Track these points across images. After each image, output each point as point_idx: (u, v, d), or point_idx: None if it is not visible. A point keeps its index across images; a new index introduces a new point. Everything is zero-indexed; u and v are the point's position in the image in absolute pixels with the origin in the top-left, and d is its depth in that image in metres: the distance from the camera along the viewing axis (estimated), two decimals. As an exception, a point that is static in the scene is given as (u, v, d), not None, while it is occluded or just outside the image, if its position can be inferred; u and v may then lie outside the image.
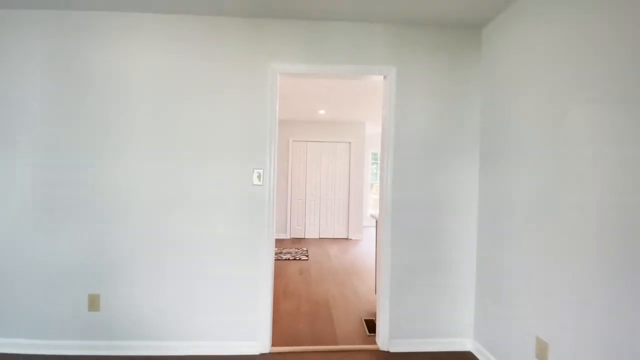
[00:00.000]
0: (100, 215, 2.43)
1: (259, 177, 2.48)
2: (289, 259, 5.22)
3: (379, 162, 9.63)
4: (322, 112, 6.07)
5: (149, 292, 2.46)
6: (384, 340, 2.54)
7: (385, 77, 2.60)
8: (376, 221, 3.40)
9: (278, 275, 4.41)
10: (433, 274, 2.57)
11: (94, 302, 2.47)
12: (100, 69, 2.42)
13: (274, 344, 2.57)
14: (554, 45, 1.80)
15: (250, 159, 2.48)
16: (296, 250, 5.88)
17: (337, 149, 7.21)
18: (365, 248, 6.33)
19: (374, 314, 3.15)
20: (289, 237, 7.11)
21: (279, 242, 6.70)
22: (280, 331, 2.79)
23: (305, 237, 7.18)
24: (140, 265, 2.46)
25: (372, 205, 9.52)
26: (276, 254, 5.52)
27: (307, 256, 5.44)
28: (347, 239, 7.19)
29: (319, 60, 2.51)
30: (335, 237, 7.23)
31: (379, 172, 9.73)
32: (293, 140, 7.10)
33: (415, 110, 2.55)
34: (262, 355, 2.46)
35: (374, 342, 2.65)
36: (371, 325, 2.91)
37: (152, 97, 2.44)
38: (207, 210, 2.47)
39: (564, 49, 1.73)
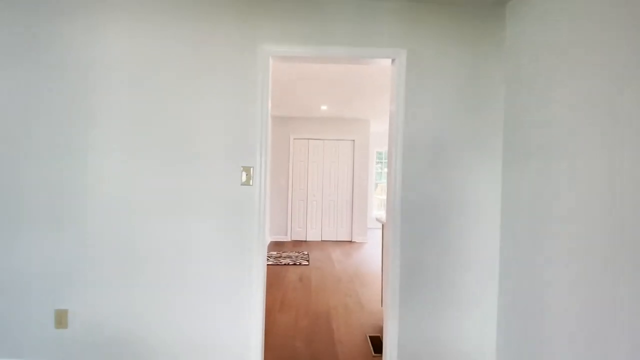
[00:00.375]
0: (63, 221, 2.12)
1: (248, 175, 2.15)
2: (288, 264, 4.89)
3: (387, 159, 9.29)
4: (324, 107, 5.74)
5: (122, 307, 2.14)
6: (392, 364, 2.21)
7: (393, 60, 2.26)
8: (382, 225, 3.07)
9: (275, 282, 4.09)
10: (449, 287, 2.22)
11: (61, 319, 2.17)
12: (62, 55, 2.11)
13: (265, 368, 2.25)
14: (601, 13, 1.45)
15: (239, 155, 2.16)
16: (296, 254, 5.55)
17: (340, 147, 6.88)
18: (370, 252, 5.99)
19: (381, 330, 2.81)
20: (289, 240, 6.78)
21: (278, 244, 6.38)
22: (274, 351, 2.47)
23: (307, 239, 6.85)
24: (111, 278, 2.14)
25: (377, 206, 9.17)
26: (275, 258, 5.20)
27: (307, 261, 5.11)
28: (350, 241, 6.85)
29: (318, 42, 2.18)
30: (338, 239, 6.90)
31: (386, 170, 9.40)
32: (294, 138, 6.77)
33: (427, 99, 2.22)
34: (252, 381, 2.14)
35: (381, 365, 2.32)
36: (377, 343, 2.57)
37: (123, 87, 2.12)
38: (187, 214, 2.15)
39: (616, 16, 1.38)
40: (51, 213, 2.11)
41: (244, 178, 2.15)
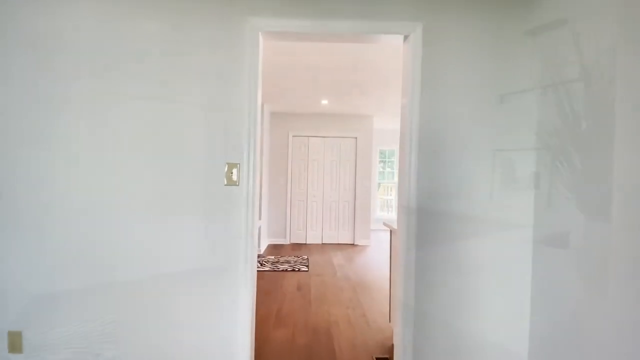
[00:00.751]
0: (18, 225, 1.78)
1: (233, 174, 1.80)
2: (286, 270, 4.54)
3: (399, 155, 8.94)
4: (324, 102, 5.39)
5: (80, 328, 1.80)
6: (406, 398, 1.86)
7: (406, 37, 1.91)
8: (390, 231, 2.72)
9: (272, 291, 3.74)
10: (473, 309, 1.87)
11: (15, 342, 1.83)
12: (20, 38, 1.76)
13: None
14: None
15: (221, 149, 1.81)
16: (295, 258, 5.20)
17: (341, 145, 6.52)
18: (373, 256, 5.63)
19: (390, 350, 2.46)
20: (288, 243, 6.43)
21: (277, 248, 6.04)
22: (266, 378, 2.12)
23: (307, 242, 6.50)
24: (74, 291, 1.80)
25: (380, 207, 8.82)
26: (272, 263, 4.86)
27: (307, 266, 4.76)
28: (352, 244, 6.49)
29: (316, 14, 1.83)
30: (339, 242, 6.54)
31: (388, 170, 9.05)
32: (293, 136, 6.42)
33: (447, 85, 1.87)
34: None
35: (391, 398, 1.97)
36: (386, 369, 2.22)
37: (88, 72, 1.78)
38: (159, 219, 1.80)
39: None
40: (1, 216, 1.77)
41: (231, 177, 1.80)
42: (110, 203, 1.79)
